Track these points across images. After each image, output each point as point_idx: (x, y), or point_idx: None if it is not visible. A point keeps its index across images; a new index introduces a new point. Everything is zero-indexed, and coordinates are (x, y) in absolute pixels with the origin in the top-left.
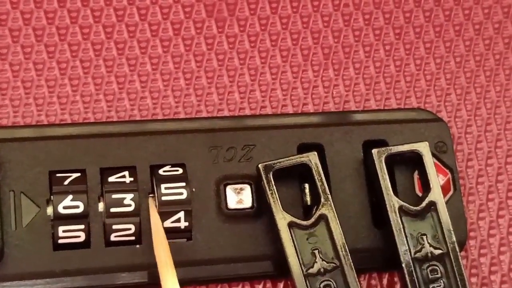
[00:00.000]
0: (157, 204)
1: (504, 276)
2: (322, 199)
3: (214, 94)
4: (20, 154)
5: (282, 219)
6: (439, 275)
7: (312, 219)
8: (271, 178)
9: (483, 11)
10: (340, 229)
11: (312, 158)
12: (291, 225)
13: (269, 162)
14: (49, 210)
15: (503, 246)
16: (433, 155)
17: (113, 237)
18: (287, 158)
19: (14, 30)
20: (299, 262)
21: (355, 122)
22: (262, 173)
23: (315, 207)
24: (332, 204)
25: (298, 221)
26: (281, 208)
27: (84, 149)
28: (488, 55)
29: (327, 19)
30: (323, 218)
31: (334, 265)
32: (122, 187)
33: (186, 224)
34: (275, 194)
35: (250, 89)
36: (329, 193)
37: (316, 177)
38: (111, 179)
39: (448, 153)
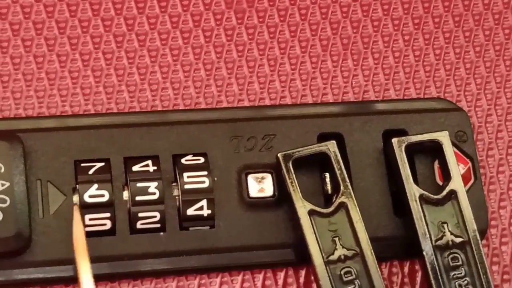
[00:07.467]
0: (180, 193)
1: None
2: (342, 187)
3: (234, 85)
4: (45, 144)
5: (302, 207)
6: (460, 262)
7: (332, 207)
8: (291, 167)
9: (502, 1)
10: (360, 216)
11: (331, 147)
12: (311, 213)
13: (288, 151)
14: (75, 199)
15: None
16: (453, 144)
17: (138, 225)
18: (306, 147)
19: (37, 22)
20: (320, 249)
21: (374, 112)
22: (282, 162)
23: (335, 195)
24: (352, 192)
25: (318, 209)
26: (301, 196)
27: (107, 139)
28: (508, 45)
29: (345, 9)
30: (343, 206)
31: (354, 252)
32: (146, 176)
33: (209, 212)
34: (294, 182)
35: (270, 80)
36: (348, 181)
37: (335, 166)
38: (135, 168)
39: (468, 142)
